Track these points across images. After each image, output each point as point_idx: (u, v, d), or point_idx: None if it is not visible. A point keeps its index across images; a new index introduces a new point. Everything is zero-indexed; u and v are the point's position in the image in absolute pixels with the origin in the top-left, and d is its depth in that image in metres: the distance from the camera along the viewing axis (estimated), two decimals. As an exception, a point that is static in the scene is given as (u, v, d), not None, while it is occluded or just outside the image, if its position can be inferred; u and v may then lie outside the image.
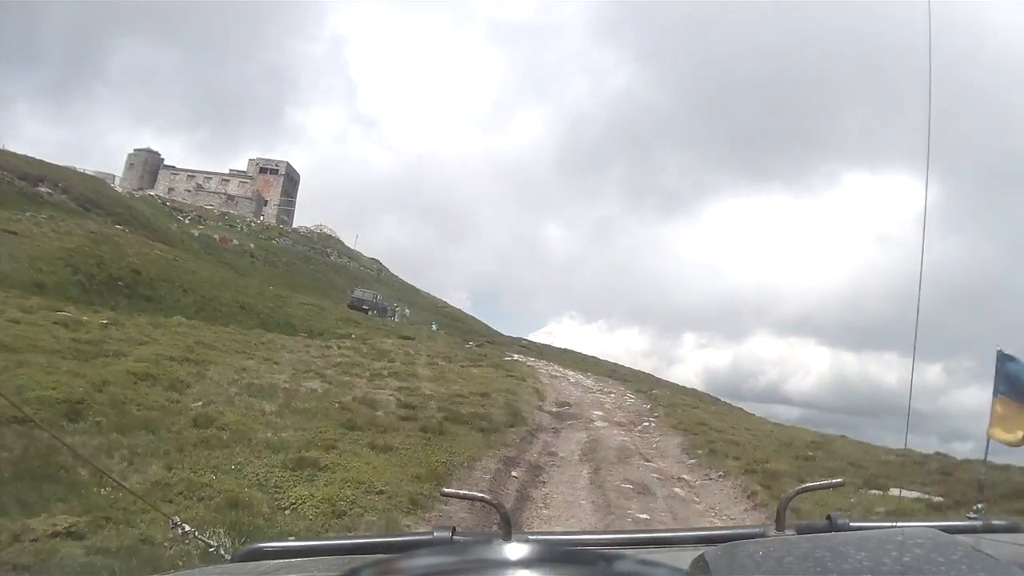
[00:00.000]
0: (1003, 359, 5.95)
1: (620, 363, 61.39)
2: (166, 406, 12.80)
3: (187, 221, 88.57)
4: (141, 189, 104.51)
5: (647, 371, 63.14)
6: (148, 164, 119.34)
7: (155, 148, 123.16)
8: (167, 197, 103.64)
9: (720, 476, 13.51)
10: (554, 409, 21.02)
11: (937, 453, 20.44)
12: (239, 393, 15.06)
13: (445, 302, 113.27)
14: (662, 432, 18.91)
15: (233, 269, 69.48)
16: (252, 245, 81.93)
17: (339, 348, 27.57)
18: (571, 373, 36.38)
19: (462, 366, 28.00)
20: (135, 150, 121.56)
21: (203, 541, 3.02)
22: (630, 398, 27.66)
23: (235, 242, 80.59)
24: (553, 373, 33.67)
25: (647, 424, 20.13)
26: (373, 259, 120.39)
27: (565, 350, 63.50)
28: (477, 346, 38.40)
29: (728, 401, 42.86)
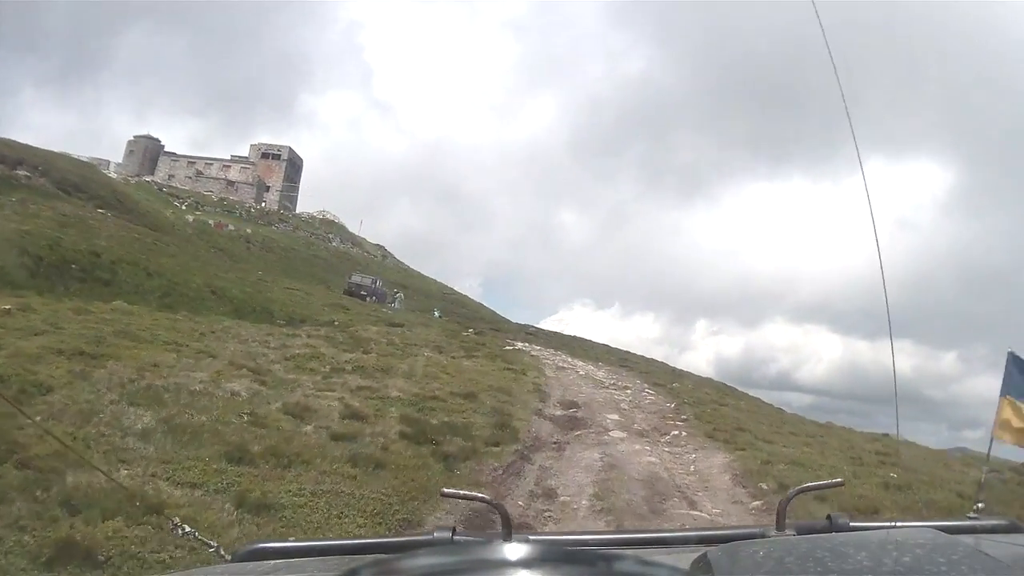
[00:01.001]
0: (1014, 361, 5.83)
1: (632, 351, 57.85)
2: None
3: (184, 207, 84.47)
4: (138, 175, 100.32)
5: (660, 359, 59.47)
6: (148, 151, 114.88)
7: (162, 136, 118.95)
8: (165, 183, 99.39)
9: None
10: (558, 413, 16.48)
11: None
12: (116, 400, 10.74)
13: (453, 289, 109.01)
14: (698, 445, 14.35)
15: (226, 254, 65.58)
16: (248, 230, 77.62)
17: (308, 337, 23.10)
18: (580, 363, 31.86)
19: (452, 357, 23.54)
20: (135, 136, 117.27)
21: (202, 541, 2.87)
22: (649, 394, 23.10)
23: (230, 227, 76.38)
24: (560, 364, 29.17)
25: (677, 433, 15.55)
26: (378, 245, 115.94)
27: (575, 337, 59.35)
28: (476, 333, 33.87)
29: (743, 390, 40.15)
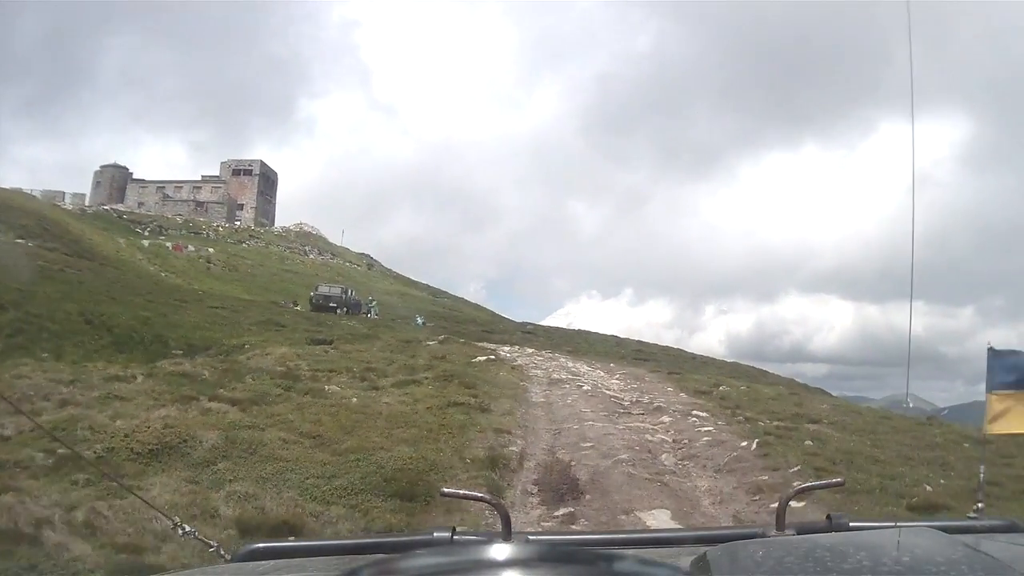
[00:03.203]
0: (994, 355, 5.71)
1: (644, 340, 50.10)
2: None
3: (146, 233, 75.12)
4: (101, 204, 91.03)
5: (672, 344, 51.73)
6: (115, 179, 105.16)
7: (148, 161, 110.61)
8: (130, 211, 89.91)
9: None
10: (527, 530, 6.84)
11: None
12: None
13: (448, 293, 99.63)
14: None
15: (182, 277, 56.71)
16: (211, 250, 68.20)
17: (145, 379, 13.88)
18: (585, 369, 22.43)
19: (376, 388, 14.29)
20: (101, 167, 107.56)
21: (203, 541, 2.45)
22: (699, 418, 13.67)
23: (190, 248, 67.08)
24: (556, 375, 19.70)
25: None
26: (362, 254, 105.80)
27: (580, 332, 50.60)
28: (441, 342, 24.32)
29: (755, 364, 33.52)
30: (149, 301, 31.91)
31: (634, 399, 15.92)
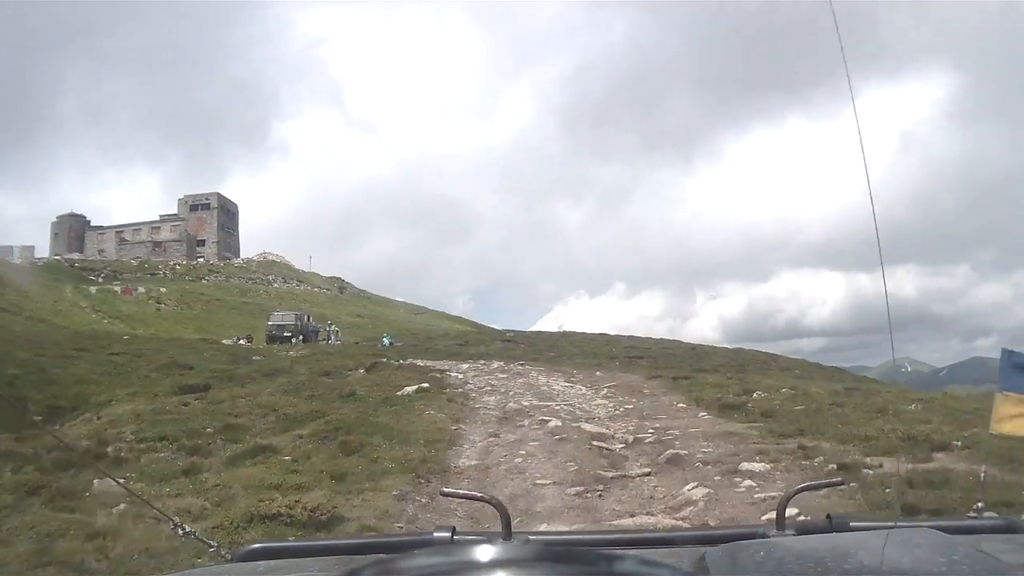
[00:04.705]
0: (1009, 356, 5.16)
1: (636, 334, 46.27)
2: None
3: (100, 279, 68.75)
4: (61, 255, 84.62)
5: (666, 335, 46.20)
6: (73, 229, 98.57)
7: (117, 203, 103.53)
8: (82, 258, 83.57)
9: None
10: None
11: None
12: None
13: (427, 308, 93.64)
14: None
15: (127, 322, 50.45)
16: (162, 290, 61.76)
17: None
18: (562, 384, 16.40)
19: (183, 475, 8.03)
20: (59, 217, 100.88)
21: (203, 541, 2.45)
22: (760, 477, 7.51)
23: (140, 290, 60.69)
24: (514, 403, 13.54)
25: None
26: (334, 278, 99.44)
27: (566, 334, 44.89)
28: (367, 370, 17.96)
29: (754, 347, 28.21)
30: (36, 355, 25.62)
31: (631, 436, 9.72)
